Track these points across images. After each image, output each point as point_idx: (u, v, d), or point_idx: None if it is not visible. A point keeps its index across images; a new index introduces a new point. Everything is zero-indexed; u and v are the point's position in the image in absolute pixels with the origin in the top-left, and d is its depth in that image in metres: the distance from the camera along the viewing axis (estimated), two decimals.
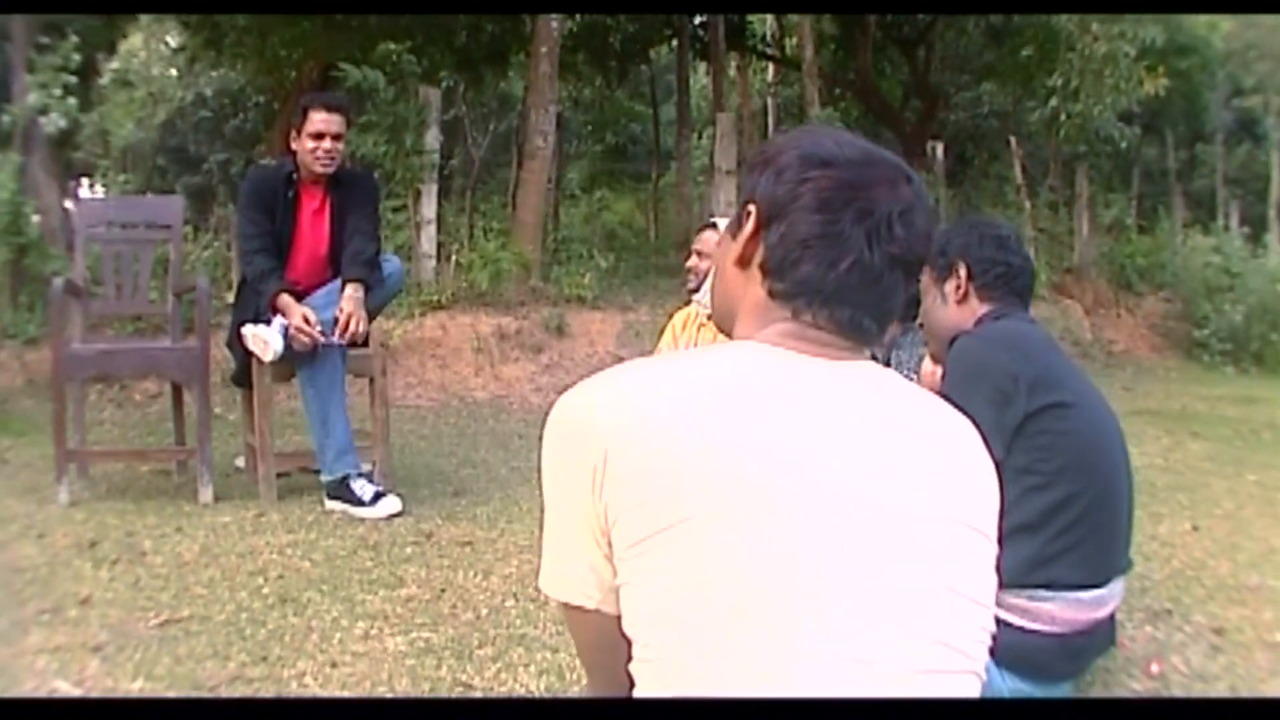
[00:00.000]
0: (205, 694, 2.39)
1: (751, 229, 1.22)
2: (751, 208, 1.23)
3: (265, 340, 3.92)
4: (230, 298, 5.41)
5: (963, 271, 2.45)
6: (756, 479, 1.04)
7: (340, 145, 4.16)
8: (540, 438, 1.17)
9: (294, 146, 4.18)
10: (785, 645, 1.01)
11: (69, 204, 6.69)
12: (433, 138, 8.00)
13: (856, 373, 1.18)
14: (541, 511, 1.20)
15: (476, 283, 7.98)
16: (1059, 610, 2.18)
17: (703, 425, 1.06)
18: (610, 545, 1.11)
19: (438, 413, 6.85)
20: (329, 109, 4.15)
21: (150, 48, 17.14)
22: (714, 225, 4.34)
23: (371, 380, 4.39)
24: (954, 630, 1.09)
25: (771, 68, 16.67)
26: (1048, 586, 2.16)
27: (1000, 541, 1.19)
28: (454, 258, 8.24)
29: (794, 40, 14.46)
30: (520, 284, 8.46)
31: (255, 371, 4.13)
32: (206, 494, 4.06)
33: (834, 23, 13.22)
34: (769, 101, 16.74)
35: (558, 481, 1.16)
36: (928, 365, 2.72)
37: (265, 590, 3.09)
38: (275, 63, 10.06)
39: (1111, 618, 2.43)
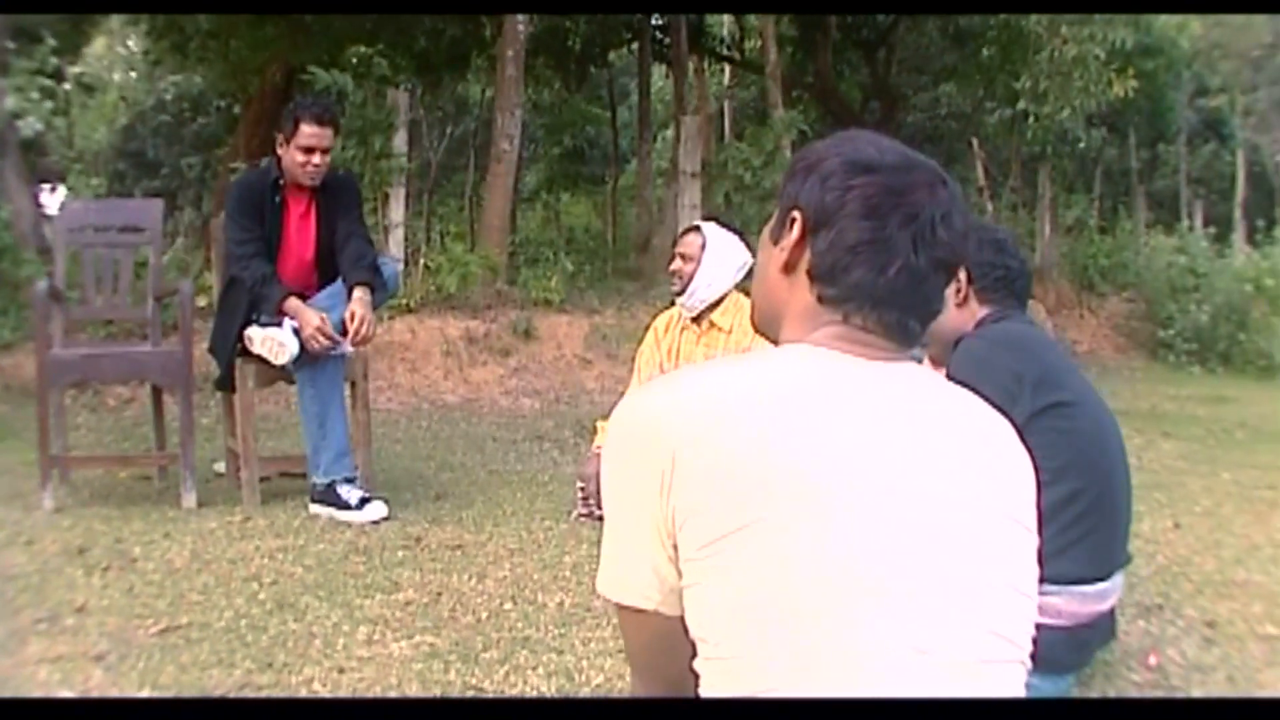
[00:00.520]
0: None
1: (798, 235, 1.24)
2: (796, 214, 1.25)
3: (281, 343, 3.89)
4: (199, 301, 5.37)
5: (963, 275, 2.50)
6: (820, 479, 1.08)
7: (328, 158, 4.15)
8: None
9: (280, 153, 4.16)
10: (852, 637, 1.05)
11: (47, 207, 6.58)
12: (401, 141, 7.96)
13: (903, 373, 1.21)
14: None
15: (445, 286, 7.95)
16: (1065, 604, 2.23)
17: (767, 428, 1.09)
18: (675, 548, 1.13)
19: (410, 416, 6.82)
20: (320, 122, 4.11)
21: (113, 52, 16.92)
22: (697, 229, 4.37)
23: (353, 384, 4.36)
24: (1004, 620, 1.13)
25: (728, 70, 16.76)
26: (1054, 581, 2.20)
27: None
28: (422, 261, 8.21)
29: (754, 42, 14.55)
30: (486, 287, 8.45)
31: (239, 376, 4.10)
32: (190, 499, 4.02)
33: (793, 24, 13.30)
34: (725, 104, 16.83)
35: (623, 486, 1.18)
36: (927, 364, 2.76)
37: (261, 596, 3.06)
38: (239, 66, 9.96)
39: (1112, 611, 2.50)
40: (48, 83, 6.69)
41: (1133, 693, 2.52)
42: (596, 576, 1.26)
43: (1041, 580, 2.31)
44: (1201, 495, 4.56)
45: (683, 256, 4.26)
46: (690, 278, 4.22)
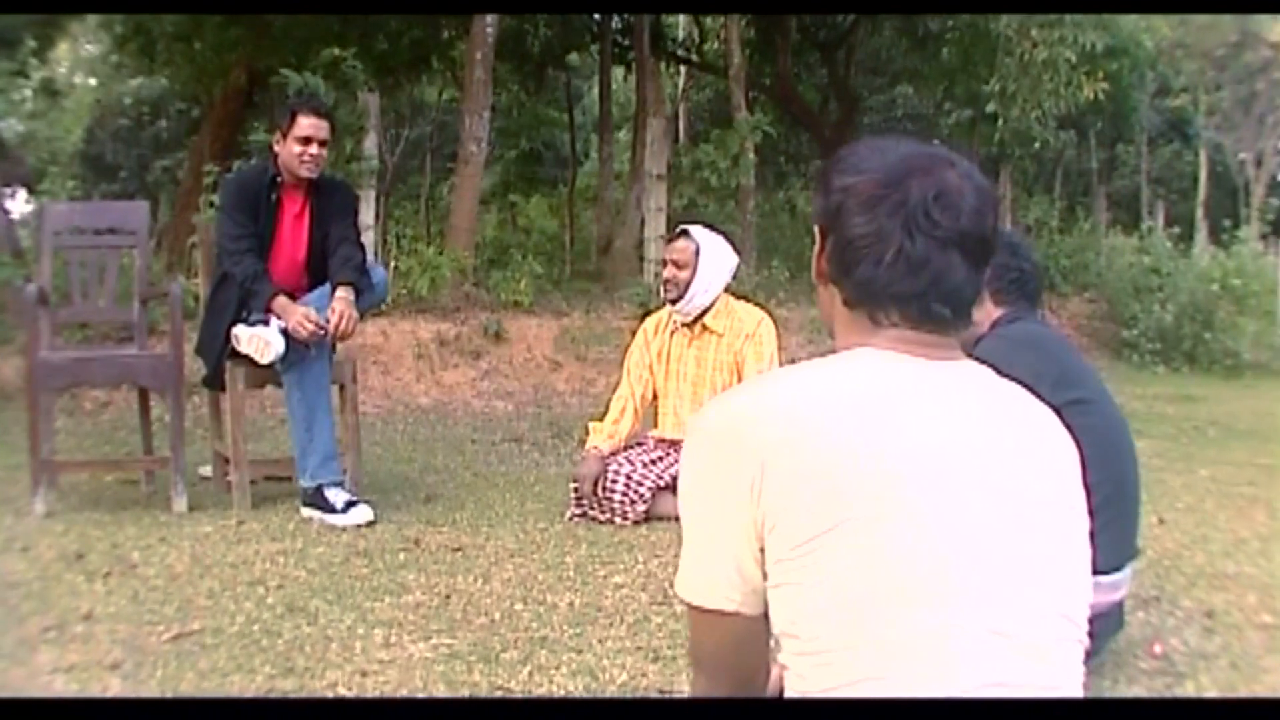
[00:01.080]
0: None
1: (819, 247, 1.33)
2: (816, 228, 1.33)
3: (267, 341, 3.87)
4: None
5: None
6: (901, 478, 1.14)
7: (325, 151, 4.13)
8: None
9: (277, 149, 4.14)
10: (937, 623, 1.11)
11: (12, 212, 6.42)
12: (371, 144, 7.91)
13: (963, 371, 1.27)
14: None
15: (416, 289, 7.91)
16: None
17: (849, 432, 1.15)
18: (762, 550, 1.18)
19: (385, 419, 6.77)
20: (317, 114, 4.13)
21: (73, 56, 16.61)
22: (686, 233, 4.39)
23: (342, 387, 4.35)
24: (1068, 602, 1.20)
25: (684, 72, 16.79)
26: None
27: None
28: (393, 264, 8.16)
29: (712, 45, 14.60)
30: (455, 289, 8.42)
31: (229, 377, 4.07)
32: (181, 503, 3.97)
33: (750, 26, 13.37)
34: (681, 107, 16.86)
35: (710, 491, 1.22)
36: None
37: (270, 600, 3.04)
38: (205, 69, 9.84)
39: (1121, 601, 2.57)
40: (28, 83, 6.55)
41: (1143, 680, 2.58)
42: (677, 578, 1.30)
43: None
44: (1183, 492, 4.67)
45: (675, 263, 4.27)
46: (686, 285, 4.23)
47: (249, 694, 2.41)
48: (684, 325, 4.34)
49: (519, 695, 2.43)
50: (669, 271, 4.30)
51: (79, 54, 16.46)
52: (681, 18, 14.82)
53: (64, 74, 16.60)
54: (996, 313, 2.61)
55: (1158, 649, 2.76)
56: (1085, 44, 7.88)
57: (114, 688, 2.44)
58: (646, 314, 8.80)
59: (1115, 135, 12.86)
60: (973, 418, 1.22)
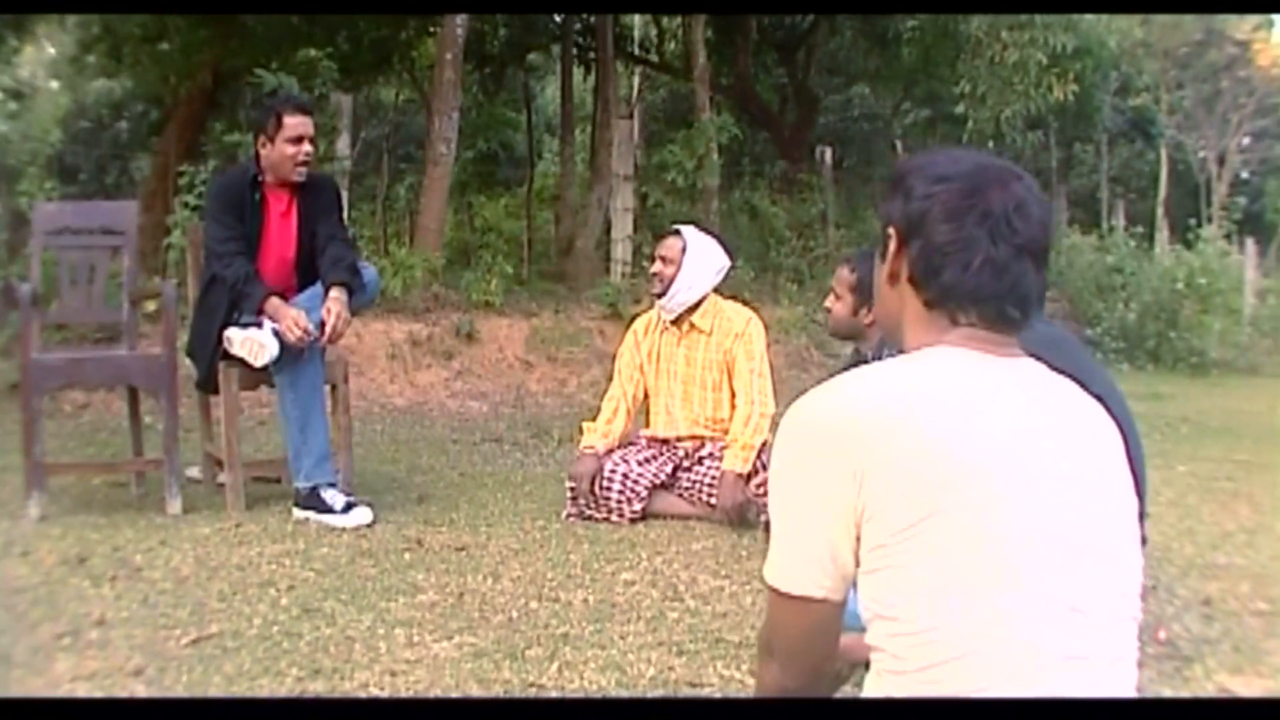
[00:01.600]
0: None
1: (895, 248, 1.41)
2: (891, 230, 1.41)
3: (261, 344, 3.83)
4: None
5: None
6: (989, 468, 1.24)
7: (313, 148, 4.11)
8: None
9: (262, 151, 4.10)
10: (1024, 602, 1.21)
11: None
12: (344, 144, 7.86)
13: (1025, 367, 1.37)
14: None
15: (389, 289, 7.86)
16: None
17: (940, 423, 1.25)
18: (858, 538, 1.26)
19: (362, 420, 6.70)
20: (303, 111, 4.11)
21: (38, 58, 16.24)
22: (677, 232, 4.43)
23: (334, 387, 4.32)
24: (1127, 580, 1.31)
25: (638, 73, 16.82)
26: None
27: None
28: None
29: (672, 45, 14.64)
30: (424, 290, 8.39)
31: (223, 379, 4.03)
32: (175, 505, 3.93)
33: (709, 26, 13.43)
34: (636, 108, 16.88)
35: (809, 481, 1.29)
36: None
37: (284, 602, 3.02)
38: (172, 69, 9.70)
39: None
40: (7, 82, 6.42)
41: (1152, 664, 2.65)
42: (766, 564, 1.36)
43: None
44: (1163, 487, 4.77)
45: (663, 259, 4.33)
46: (671, 280, 4.28)
47: (279, 696, 2.40)
48: (673, 324, 4.37)
49: (554, 693, 2.44)
50: (656, 266, 4.35)
51: (41, 57, 16.11)
52: (638, 18, 14.85)
53: (25, 76, 16.23)
54: None
55: (1162, 635, 2.84)
56: (1056, 45, 8.00)
57: (140, 694, 2.41)
58: (617, 315, 8.99)
59: (1074, 134, 13.04)
60: (1040, 410, 1.31)
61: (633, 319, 4.85)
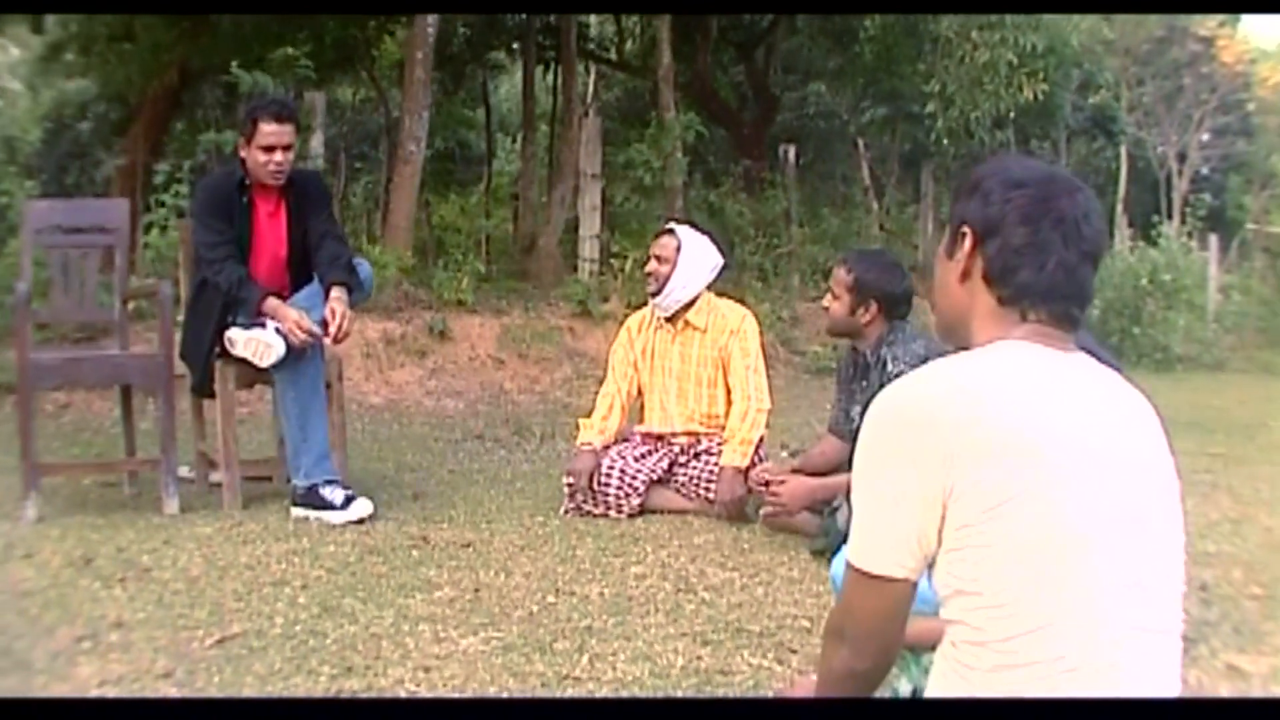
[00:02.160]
0: None
1: (970, 247, 1.51)
2: (966, 230, 1.51)
3: (268, 344, 3.81)
4: None
5: None
6: (1063, 453, 1.35)
7: (291, 155, 4.08)
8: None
9: (242, 154, 4.08)
10: (1092, 576, 1.33)
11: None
12: (318, 143, 7.79)
13: (1082, 360, 1.48)
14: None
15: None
16: None
17: (1019, 411, 1.36)
18: (944, 519, 1.36)
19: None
20: (279, 119, 4.03)
21: (3, 59, 15.85)
22: (671, 231, 4.48)
23: (328, 385, 4.29)
24: (1179, 558, 1.43)
25: (594, 71, 16.82)
26: None
27: None
28: None
29: (632, 44, 14.66)
30: (395, 288, 8.34)
31: (219, 377, 4.00)
32: (172, 505, 3.89)
33: (669, 24, 13.44)
34: (592, 106, 16.88)
35: (898, 465, 1.39)
36: None
37: (301, 600, 3.01)
38: (141, 68, 9.56)
39: None
40: None
41: None
42: (849, 546, 1.44)
43: None
44: None
45: (658, 258, 4.36)
46: (666, 279, 4.32)
47: (316, 695, 2.39)
48: (667, 322, 4.40)
49: (590, 684, 2.46)
50: (651, 265, 4.39)
51: (5, 59, 15.74)
52: (595, 16, 14.85)
53: None
54: None
55: None
56: (1026, 45, 8.12)
57: (173, 697, 2.39)
58: (587, 313, 9.00)
59: (1033, 132, 13.19)
60: (1099, 401, 1.43)
61: (625, 316, 4.88)
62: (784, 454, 4.61)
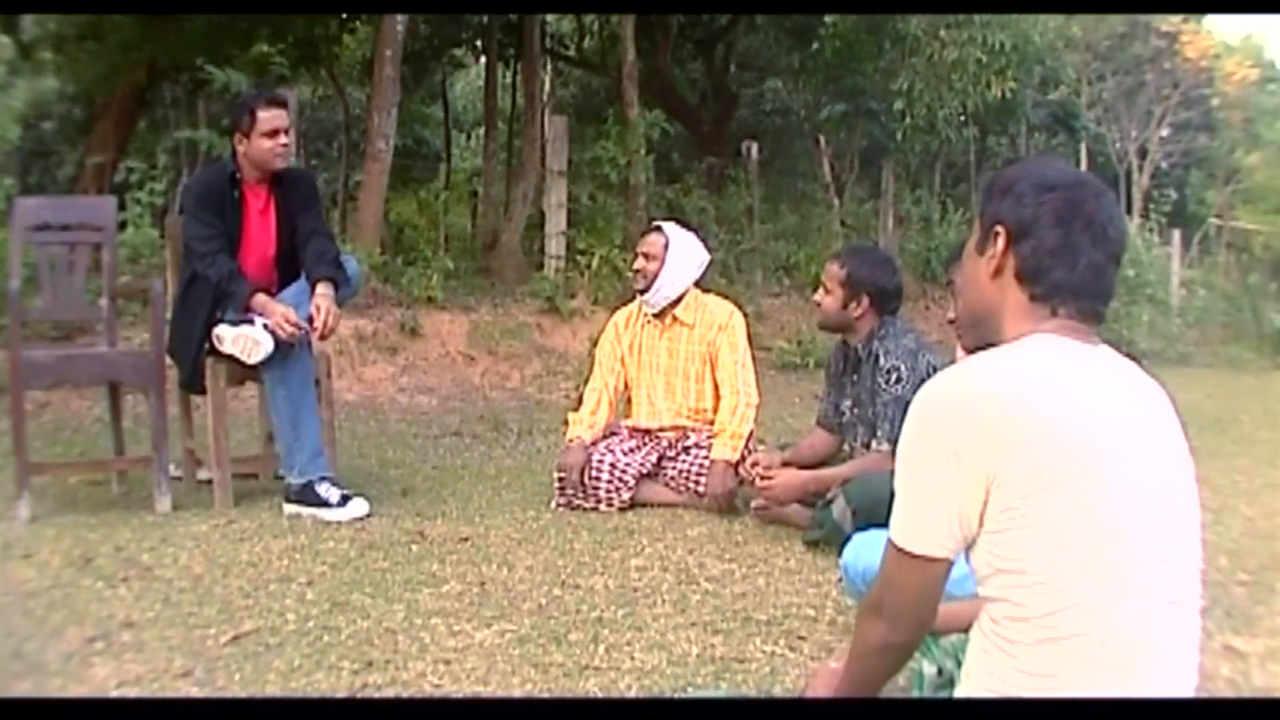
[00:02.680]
0: None
1: (1003, 246, 1.59)
2: (1000, 229, 1.60)
3: (256, 340, 3.81)
4: None
5: None
6: (1098, 440, 1.44)
7: (291, 139, 4.10)
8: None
9: (239, 148, 4.08)
10: (1126, 555, 1.43)
11: None
12: (290, 139, 7.69)
13: (1107, 352, 1.58)
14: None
15: None
16: None
17: (1057, 401, 1.45)
18: (986, 502, 1.45)
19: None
20: (276, 104, 4.11)
21: None
22: (659, 229, 4.52)
23: (317, 382, 4.29)
24: (1196, 535, 1.54)
25: (550, 68, 16.80)
26: None
27: None
28: None
29: (592, 41, 14.67)
30: (365, 285, 8.30)
31: (210, 375, 3.98)
32: (165, 503, 3.87)
33: (623, 23, 13.44)
34: (548, 104, 16.86)
35: (945, 452, 1.48)
36: (961, 355, 2.98)
37: (309, 596, 3.02)
38: (111, 67, 9.43)
39: None
40: None
41: None
42: (892, 528, 1.56)
43: None
44: None
45: (646, 256, 4.41)
46: (655, 276, 4.36)
47: (340, 691, 2.39)
48: (655, 317, 4.45)
49: (611, 673, 2.49)
50: (639, 263, 4.43)
51: None
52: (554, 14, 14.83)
53: None
54: None
55: None
56: (994, 43, 8.23)
57: (195, 696, 2.38)
58: (555, 309, 9.01)
59: (994, 128, 13.35)
60: (1124, 390, 1.53)
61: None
62: (761, 447, 4.66)
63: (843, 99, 12.05)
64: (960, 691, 1.58)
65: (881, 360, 3.68)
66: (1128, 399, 1.52)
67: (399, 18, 8.19)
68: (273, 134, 4.04)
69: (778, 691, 2.39)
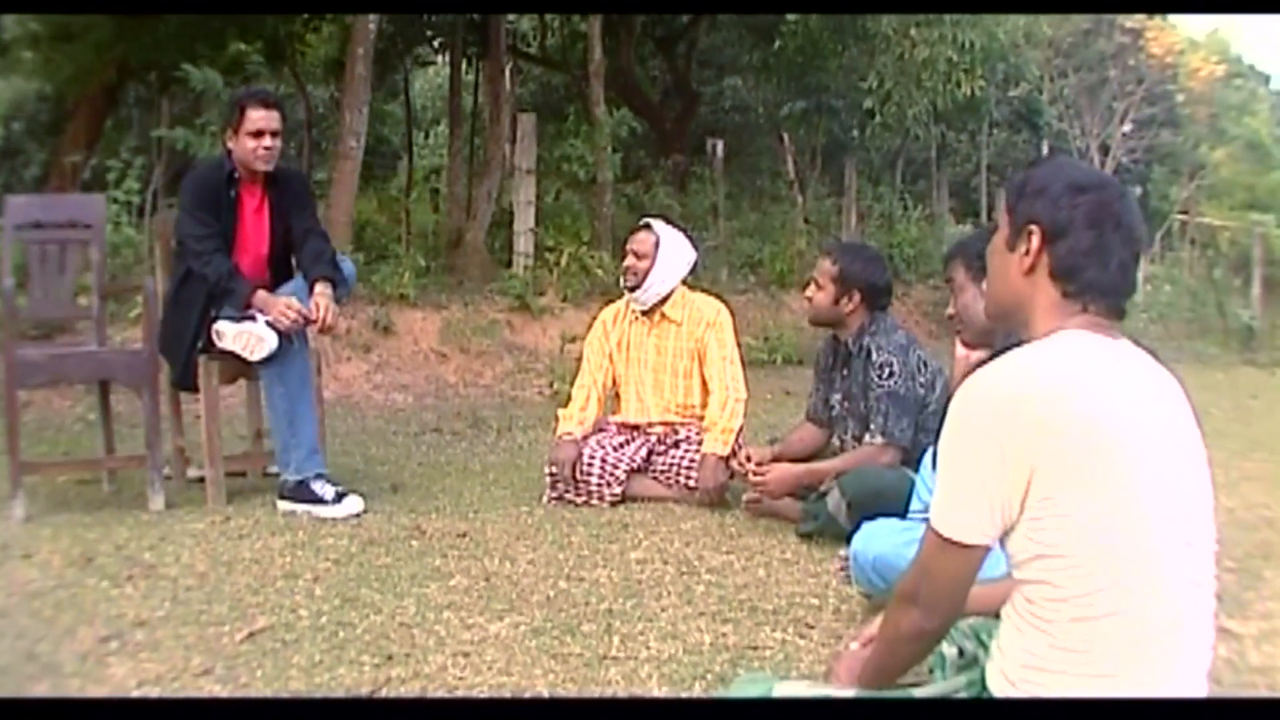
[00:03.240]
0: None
1: (1038, 245, 1.67)
2: (1034, 228, 1.67)
3: (260, 337, 3.82)
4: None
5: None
6: (1129, 428, 1.53)
7: (279, 142, 4.09)
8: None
9: (230, 145, 4.08)
10: (1154, 538, 1.53)
11: None
12: (276, 144, 7.66)
13: (1130, 346, 1.66)
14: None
15: None
16: None
17: (1091, 393, 1.54)
18: (1027, 491, 1.53)
19: None
20: (266, 105, 4.09)
21: None
22: (648, 226, 4.57)
23: None
24: (1210, 519, 1.62)
25: (512, 66, 16.76)
26: None
27: None
28: None
29: (552, 38, 14.66)
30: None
31: (203, 372, 3.98)
32: (158, 502, 3.87)
33: (584, 21, 13.46)
34: (509, 102, 16.82)
35: (987, 443, 1.56)
36: (960, 351, 3.05)
37: (318, 592, 3.03)
38: (84, 67, 9.32)
39: None
40: None
41: None
42: (934, 517, 1.62)
43: None
44: None
45: (636, 254, 4.45)
46: (645, 274, 4.41)
47: (364, 686, 2.40)
48: (643, 314, 4.50)
49: (629, 663, 2.54)
50: (629, 261, 4.47)
51: None
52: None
53: None
54: None
55: None
56: (964, 41, 8.34)
57: (219, 694, 2.39)
58: (525, 307, 9.03)
59: (954, 124, 13.45)
60: (1149, 381, 1.62)
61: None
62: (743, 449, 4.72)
63: (804, 96, 12.14)
64: (993, 667, 1.65)
65: (874, 355, 3.76)
66: (1151, 391, 1.60)
67: (372, 17, 8.16)
68: (257, 134, 4.03)
69: (794, 677, 2.45)
